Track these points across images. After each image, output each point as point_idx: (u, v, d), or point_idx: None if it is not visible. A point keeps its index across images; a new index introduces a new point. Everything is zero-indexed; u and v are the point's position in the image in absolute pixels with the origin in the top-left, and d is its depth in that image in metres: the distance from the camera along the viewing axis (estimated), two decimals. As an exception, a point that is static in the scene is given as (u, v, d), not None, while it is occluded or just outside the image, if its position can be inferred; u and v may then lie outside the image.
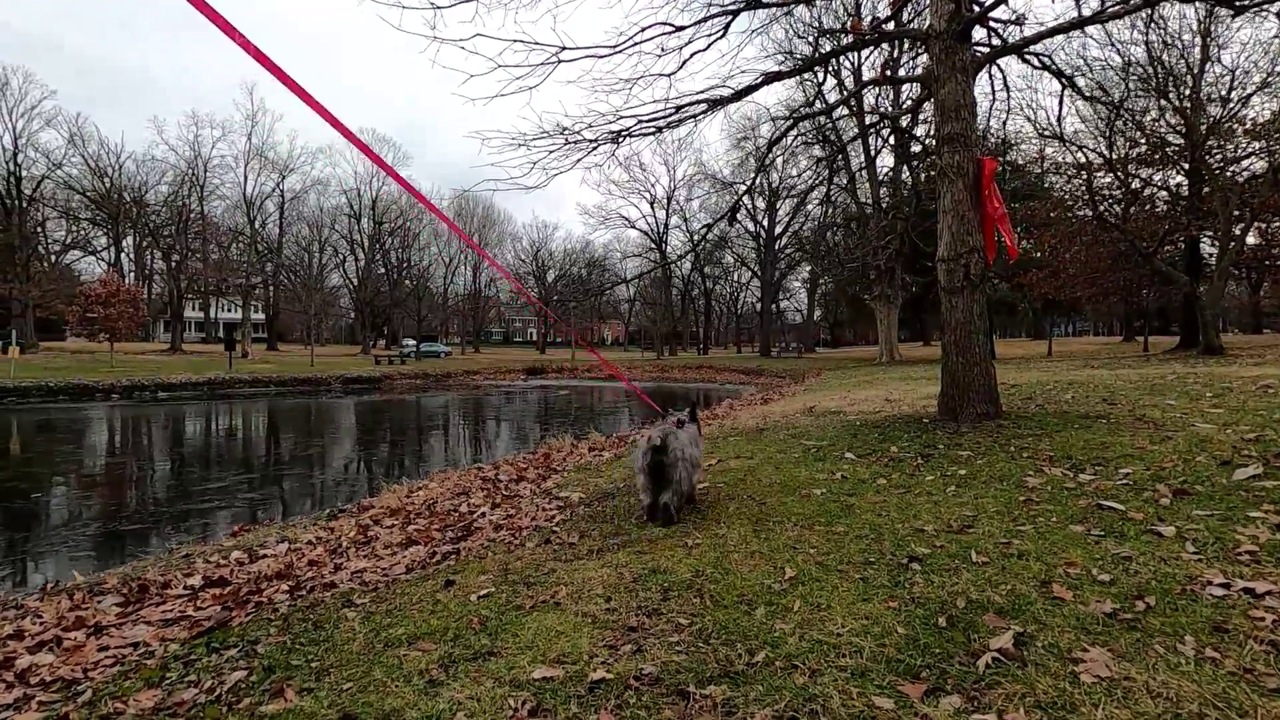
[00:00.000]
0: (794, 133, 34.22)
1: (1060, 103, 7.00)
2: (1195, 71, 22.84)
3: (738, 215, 8.13)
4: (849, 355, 46.33)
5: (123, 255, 50.69)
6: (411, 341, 55.63)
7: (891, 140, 28.45)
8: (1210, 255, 27.17)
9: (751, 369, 37.32)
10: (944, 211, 5.99)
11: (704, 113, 7.30)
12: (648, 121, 7.58)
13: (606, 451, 7.29)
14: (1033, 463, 4.30)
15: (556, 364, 44.51)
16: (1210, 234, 24.03)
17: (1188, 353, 21.20)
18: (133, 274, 52.29)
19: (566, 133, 7.33)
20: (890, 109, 28.06)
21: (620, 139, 8.21)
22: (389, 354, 44.83)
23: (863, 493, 3.84)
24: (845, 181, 31.57)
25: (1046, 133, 18.34)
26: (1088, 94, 13.78)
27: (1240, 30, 30.94)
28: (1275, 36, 26.78)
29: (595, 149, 8.20)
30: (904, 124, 8.66)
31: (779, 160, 44.69)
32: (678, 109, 7.45)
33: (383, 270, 51.93)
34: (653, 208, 52.48)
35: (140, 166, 45.69)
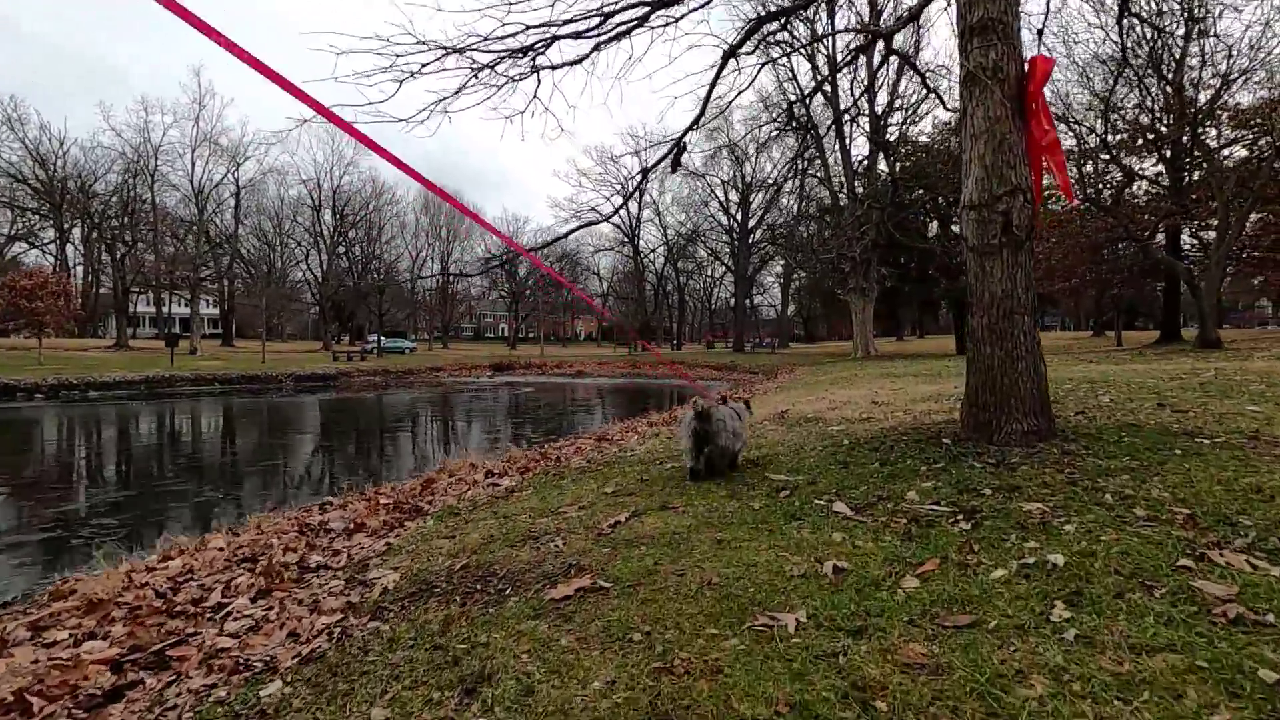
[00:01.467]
0: (767, 121, 32.35)
1: (1121, 9, 5.02)
2: (1178, 56, 21.35)
3: (681, 164, 6.56)
4: (823, 350, 44.80)
5: (70, 247, 47.26)
6: (376, 337, 52.87)
7: (866, 125, 26.66)
8: (1189, 246, 25.87)
9: (724, 365, 35.47)
10: (972, 136, 4.01)
11: (648, 14, 5.23)
12: (566, 33, 5.51)
13: (506, 479, 5.21)
14: (1180, 536, 2.33)
15: (525, 360, 42.22)
16: (1192, 224, 22.64)
17: (1175, 346, 19.73)
18: (81, 267, 48.84)
19: (446, 48, 5.22)
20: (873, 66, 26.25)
21: (537, 66, 6.13)
22: (350, 350, 42.16)
23: (886, 623, 1.82)
24: (820, 172, 29.77)
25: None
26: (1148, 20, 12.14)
27: (1223, 16, 29.63)
28: (1257, 21, 25.49)
29: (499, 77, 6.12)
30: (897, 45, 6.72)
31: (752, 151, 42.88)
32: (606, 16, 5.39)
33: (346, 264, 49.03)
34: (625, 201, 50.29)
35: (87, 154, 42.32)
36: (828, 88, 26.78)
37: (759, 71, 6.04)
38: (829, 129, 24.37)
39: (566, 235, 5.73)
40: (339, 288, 46.02)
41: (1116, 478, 3.08)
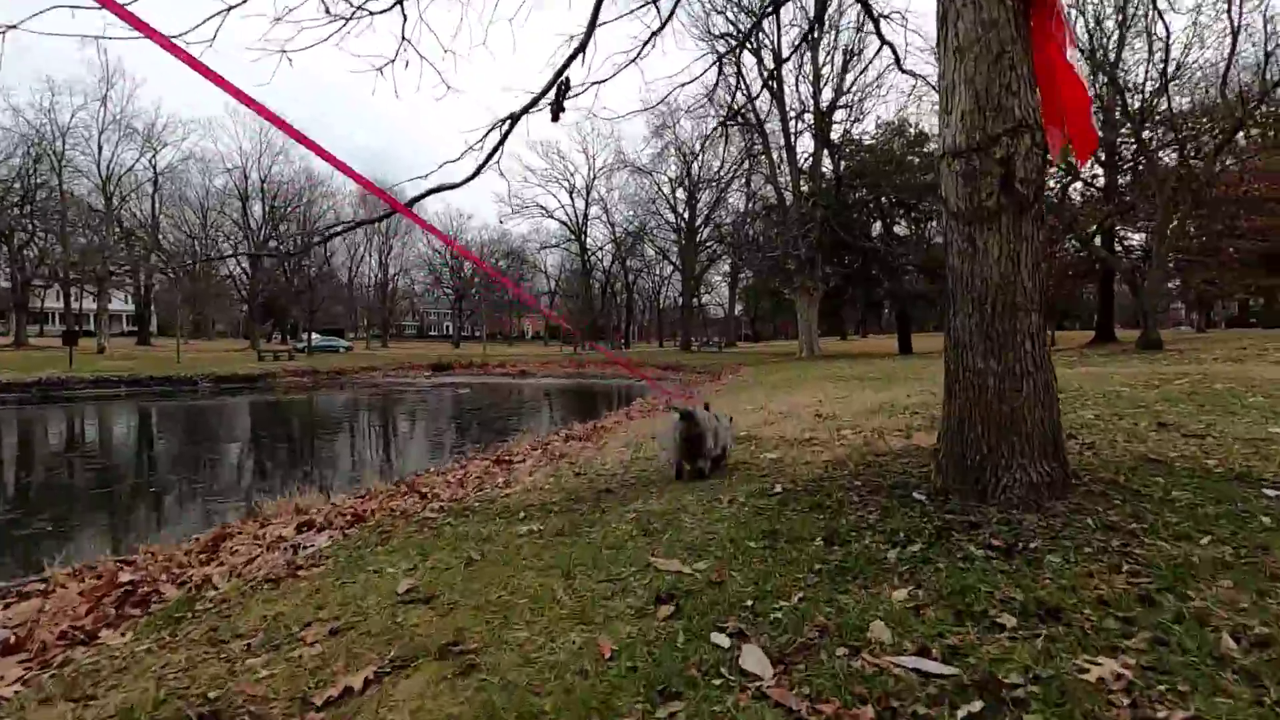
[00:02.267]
0: (712, 117, 31.22)
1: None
2: (1113, 58, 21.11)
3: (564, 109, 5.35)
4: (769, 350, 44.27)
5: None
6: (316, 336, 49.67)
7: (810, 119, 25.82)
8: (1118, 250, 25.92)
9: (670, 364, 34.28)
10: (955, 51, 2.71)
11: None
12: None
13: (321, 536, 3.67)
14: None
15: (467, 359, 40.07)
16: (1127, 226, 22.52)
17: (1112, 347, 19.43)
18: (-23, 259, 44.10)
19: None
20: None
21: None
22: (278, 349, 39.23)
23: None
24: (765, 168, 28.84)
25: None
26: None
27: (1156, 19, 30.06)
28: (1185, 29, 25.61)
29: (345, 5, 4.63)
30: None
31: (698, 147, 41.79)
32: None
33: (277, 258, 45.61)
34: (571, 197, 48.61)
35: (-17, 136, 37.89)
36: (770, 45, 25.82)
37: (676, 5, 4.67)
38: (766, 84, 23.24)
39: (421, 198, 4.25)
40: (266, 283, 42.76)
41: (1216, 582, 1.80)
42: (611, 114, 28.31)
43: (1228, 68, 13.42)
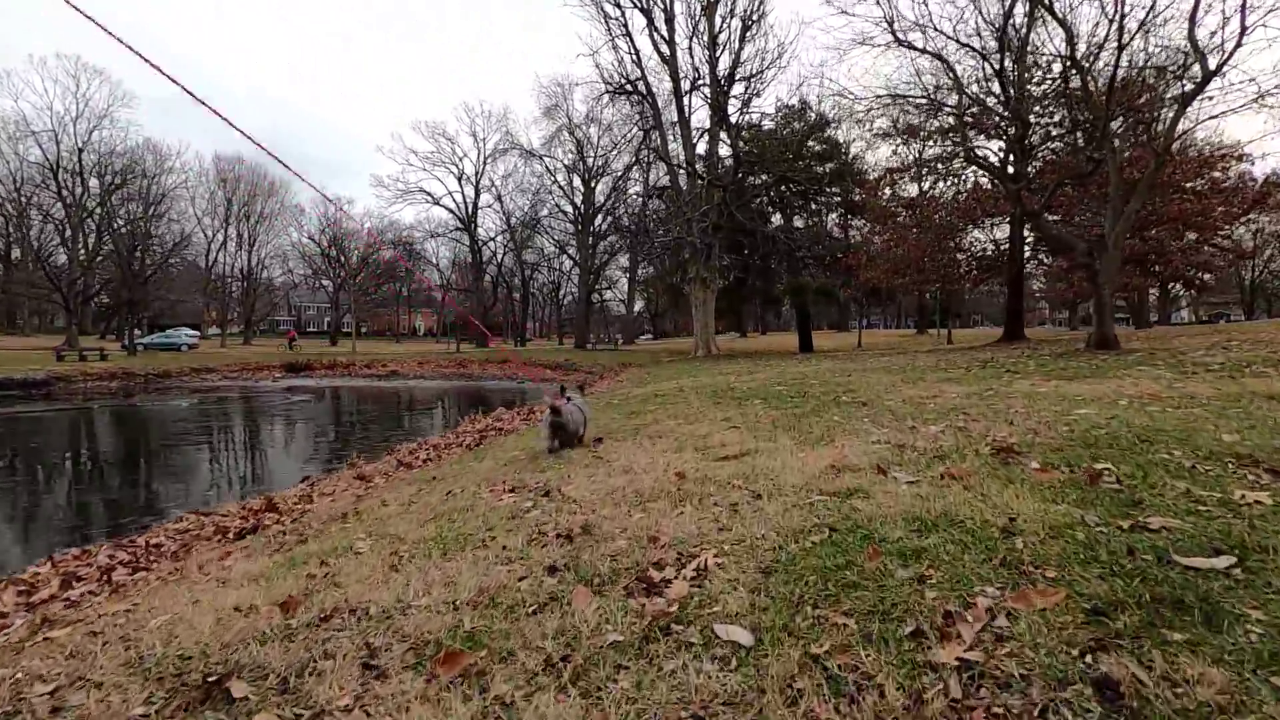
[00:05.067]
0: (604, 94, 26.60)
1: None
2: (1022, 35, 18.19)
3: None
4: (665, 347, 40.34)
5: None
6: (183, 331, 41.06)
7: (708, 92, 21.66)
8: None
9: (560, 364, 29.39)
10: None
11: None
12: None
13: None
14: None
15: (331, 358, 33.38)
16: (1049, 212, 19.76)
17: (1026, 346, 16.51)
18: None
19: None
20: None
21: None
22: (91, 348, 30.92)
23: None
24: (657, 141, 24.41)
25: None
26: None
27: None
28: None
29: None
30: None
31: (594, 134, 37.07)
32: None
33: (110, 245, 36.61)
34: (460, 184, 42.54)
35: None
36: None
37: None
38: (656, 48, 18.84)
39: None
40: (82, 273, 33.96)
41: None
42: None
43: (1196, 4, 10.21)
